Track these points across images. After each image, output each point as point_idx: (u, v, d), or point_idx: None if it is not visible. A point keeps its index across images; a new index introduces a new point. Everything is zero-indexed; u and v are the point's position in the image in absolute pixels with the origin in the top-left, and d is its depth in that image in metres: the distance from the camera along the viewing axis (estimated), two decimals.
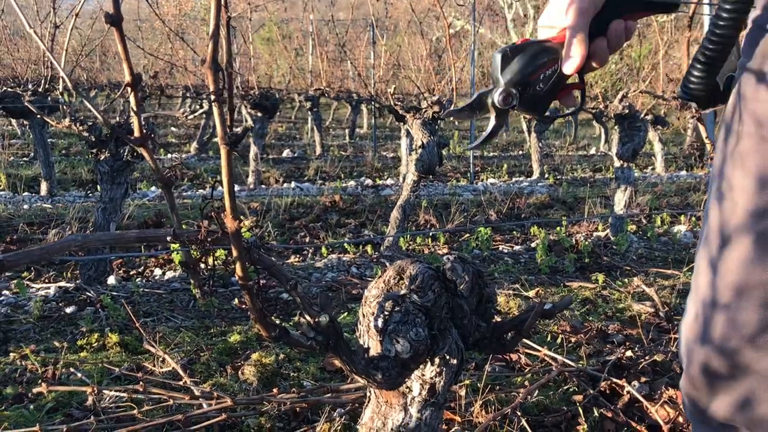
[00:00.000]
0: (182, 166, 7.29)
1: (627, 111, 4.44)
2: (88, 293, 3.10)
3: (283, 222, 4.78)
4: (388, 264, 1.29)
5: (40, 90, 5.36)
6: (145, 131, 1.22)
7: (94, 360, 2.35)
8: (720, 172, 0.95)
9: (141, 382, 1.87)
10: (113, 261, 3.58)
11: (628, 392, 2.05)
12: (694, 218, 4.95)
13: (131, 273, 3.58)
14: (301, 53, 13.36)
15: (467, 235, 4.48)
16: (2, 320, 2.78)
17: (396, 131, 12.34)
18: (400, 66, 8.68)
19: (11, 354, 2.41)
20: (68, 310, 2.90)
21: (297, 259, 3.93)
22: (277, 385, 2.16)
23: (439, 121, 3.83)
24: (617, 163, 4.44)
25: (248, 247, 1.08)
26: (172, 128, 11.99)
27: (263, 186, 6.61)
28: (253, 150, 6.59)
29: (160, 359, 2.27)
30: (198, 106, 11.20)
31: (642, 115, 4.61)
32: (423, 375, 1.27)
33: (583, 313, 2.98)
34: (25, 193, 5.84)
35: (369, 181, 7.01)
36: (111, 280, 3.33)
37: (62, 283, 3.27)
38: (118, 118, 3.66)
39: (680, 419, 1.91)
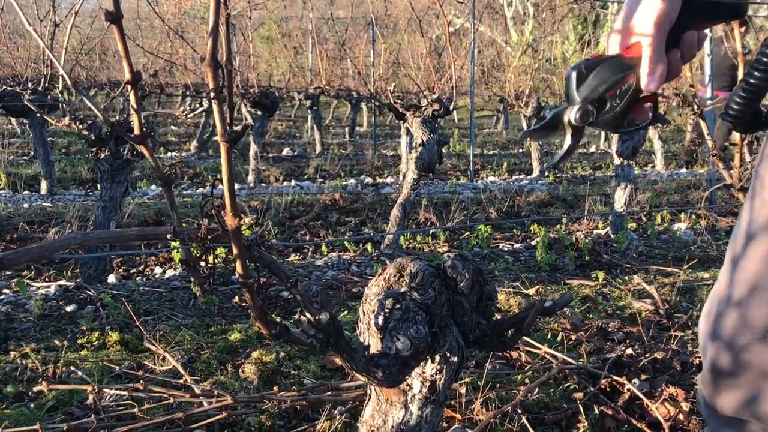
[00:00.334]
0: (182, 165, 7.29)
1: None
2: (88, 292, 3.10)
3: (283, 220, 4.78)
4: (388, 262, 1.29)
5: (39, 88, 5.35)
6: (145, 129, 1.22)
7: (95, 358, 2.35)
8: (756, 171, 0.97)
9: (141, 381, 1.87)
10: (113, 259, 3.58)
11: (628, 390, 2.05)
12: (694, 216, 4.95)
13: (131, 271, 3.58)
14: (300, 51, 13.35)
15: (467, 233, 4.47)
16: (3, 319, 2.78)
17: (396, 129, 12.33)
18: (399, 64, 8.68)
19: (12, 352, 2.41)
20: (68, 308, 2.91)
21: (297, 258, 3.93)
22: (278, 383, 2.16)
23: (438, 119, 3.83)
24: (617, 161, 4.44)
25: (248, 245, 1.08)
26: (172, 127, 11.99)
27: (263, 184, 6.61)
28: (253, 148, 6.59)
29: (161, 357, 2.27)
30: (198, 105, 11.19)
31: None
32: (423, 372, 1.27)
33: (584, 310, 2.98)
34: (25, 192, 5.83)
35: (369, 180, 7.00)
36: (111, 278, 3.33)
37: (62, 282, 3.27)
38: (118, 117, 3.66)
39: (680, 417, 1.91)
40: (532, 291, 3.20)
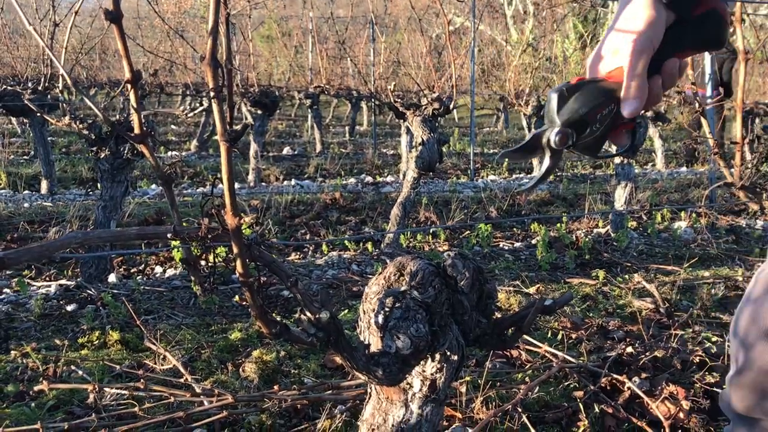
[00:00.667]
0: (182, 164, 7.29)
1: None
2: (88, 291, 3.10)
3: (283, 219, 4.78)
4: (388, 261, 1.29)
5: (39, 88, 5.36)
6: (145, 129, 1.22)
7: (95, 358, 2.36)
8: None
9: (142, 380, 1.87)
10: (114, 259, 3.58)
11: (628, 388, 2.05)
12: (694, 214, 4.95)
13: (132, 271, 3.58)
14: (300, 51, 13.35)
15: (468, 231, 4.47)
16: (3, 318, 2.79)
17: (396, 128, 12.33)
18: (399, 63, 8.68)
19: (12, 352, 2.41)
20: (69, 308, 2.91)
21: (297, 257, 3.94)
22: (278, 382, 2.16)
23: (438, 118, 3.83)
24: (617, 160, 4.44)
25: (249, 244, 1.08)
26: (172, 126, 11.98)
27: (263, 183, 6.61)
28: (253, 148, 6.59)
29: (161, 357, 2.28)
30: (198, 104, 11.20)
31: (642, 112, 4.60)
32: (424, 371, 1.27)
33: (584, 309, 2.98)
34: (26, 192, 5.83)
35: (369, 179, 7.01)
36: (112, 277, 3.33)
37: (63, 281, 3.27)
38: (118, 116, 3.66)
39: (681, 415, 1.91)
40: (532, 290, 3.20)
